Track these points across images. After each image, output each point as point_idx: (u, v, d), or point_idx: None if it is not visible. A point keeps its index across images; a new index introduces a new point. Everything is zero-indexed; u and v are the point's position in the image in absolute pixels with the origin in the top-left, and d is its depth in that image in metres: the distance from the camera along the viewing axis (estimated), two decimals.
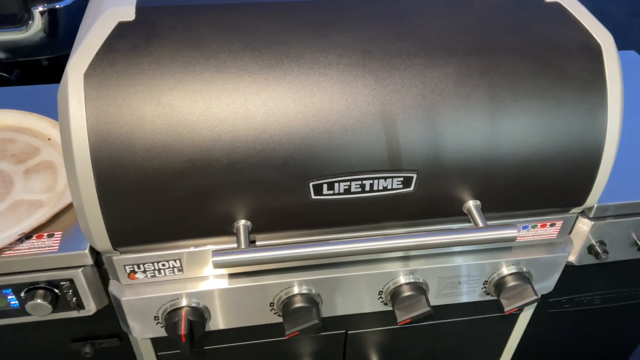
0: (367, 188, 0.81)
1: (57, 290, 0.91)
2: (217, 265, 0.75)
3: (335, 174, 0.78)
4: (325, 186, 0.79)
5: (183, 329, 0.88)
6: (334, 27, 0.78)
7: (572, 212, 0.94)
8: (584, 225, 1.01)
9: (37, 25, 2.20)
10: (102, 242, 0.79)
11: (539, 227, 0.95)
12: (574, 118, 0.81)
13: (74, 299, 0.93)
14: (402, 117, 0.77)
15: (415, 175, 0.80)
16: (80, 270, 0.88)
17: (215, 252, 0.76)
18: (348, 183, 0.80)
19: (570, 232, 1.02)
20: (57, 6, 2.26)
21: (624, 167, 1.04)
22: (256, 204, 0.79)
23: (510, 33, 0.81)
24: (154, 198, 0.76)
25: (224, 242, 0.86)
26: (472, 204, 0.85)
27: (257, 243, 0.87)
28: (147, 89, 0.72)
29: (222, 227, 0.81)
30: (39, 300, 0.89)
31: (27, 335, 1.04)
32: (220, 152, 0.74)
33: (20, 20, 2.24)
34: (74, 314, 0.95)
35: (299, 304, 0.93)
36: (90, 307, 0.94)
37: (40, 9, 2.22)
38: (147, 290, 0.90)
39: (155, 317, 0.93)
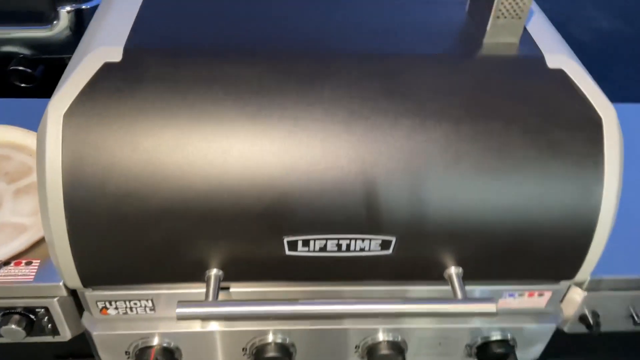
0: (344, 248, 0.78)
1: (32, 316, 0.91)
2: (180, 317, 0.74)
3: (311, 232, 0.76)
4: (300, 243, 0.77)
5: None
6: (322, 81, 0.76)
7: (562, 285, 0.91)
8: (576, 295, 0.97)
9: (62, 24, 2.24)
10: (72, 279, 0.78)
11: (526, 295, 0.92)
12: (566, 192, 0.78)
13: (49, 325, 0.93)
14: (384, 180, 0.75)
15: (394, 239, 0.78)
16: (55, 299, 0.88)
17: (180, 303, 0.75)
18: (324, 241, 0.77)
19: (561, 301, 0.98)
20: (84, 7, 2.29)
21: (623, 236, 0.99)
22: (229, 255, 0.78)
23: (506, 99, 0.78)
24: (124, 242, 0.75)
25: (197, 287, 0.84)
26: (453, 271, 0.82)
27: (231, 290, 0.86)
28: (126, 135, 0.72)
29: (193, 275, 0.80)
30: (12, 326, 0.89)
31: (9, 350, 1.05)
32: (194, 202, 0.73)
33: (46, 18, 2.28)
34: (49, 338, 0.95)
35: (272, 352, 0.91)
36: (66, 334, 0.94)
37: (67, 8, 2.26)
38: (119, 325, 0.89)
39: (126, 352, 0.92)
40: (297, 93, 0.75)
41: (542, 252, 0.82)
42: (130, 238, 0.74)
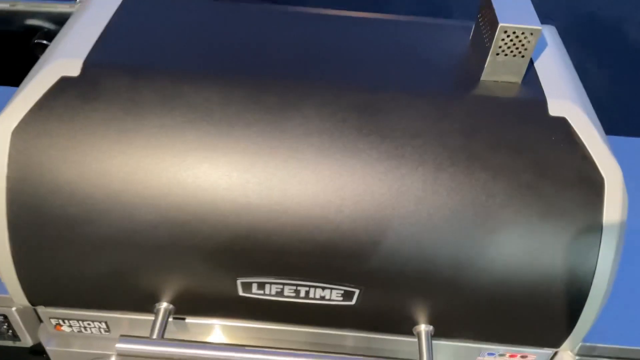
0: (302, 294, 0.72)
1: None
2: (120, 353, 0.70)
3: (266, 275, 0.71)
4: (255, 285, 0.72)
5: None
6: (291, 113, 0.70)
7: (548, 349, 0.82)
8: (567, 357, 0.88)
9: None
10: (19, 298, 0.75)
11: (507, 356, 0.84)
12: (555, 255, 0.69)
13: (9, 332, 0.91)
14: (350, 226, 0.68)
15: (357, 291, 0.71)
16: (13, 309, 0.86)
17: (123, 338, 0.71)
18: (280, 286, 0.72)
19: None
20: None
21: (622, 302, 0.89)
22: (180, 290, 0.73)
23: (496, 148, 0.69)
24: (70, 267, 0.71)
25: (150, 316, 0.80)
26: (423, 329, 0.75)
27: (186, 321, 0.81)
28: (75, 157, 0.67)
29: (143, 306, 0.75)
30: None
31: None
32: (142, 232, 0.68)
33: None
34: (10, 343, 0.93)
35: None
36: (27, 340, 0.92)
37: None
38: (74, 342, 0.86)
39: None
40: (262, 124, 0.69)
41: (525, 316, 0.74)
42: (76, 263, 0.70)
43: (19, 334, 0.90)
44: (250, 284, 0.71)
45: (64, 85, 0.69)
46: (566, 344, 0.77)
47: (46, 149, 0.67)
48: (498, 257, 0.69)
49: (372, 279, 0.70)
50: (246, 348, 0.71)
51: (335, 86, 0.72)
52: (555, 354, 0.87)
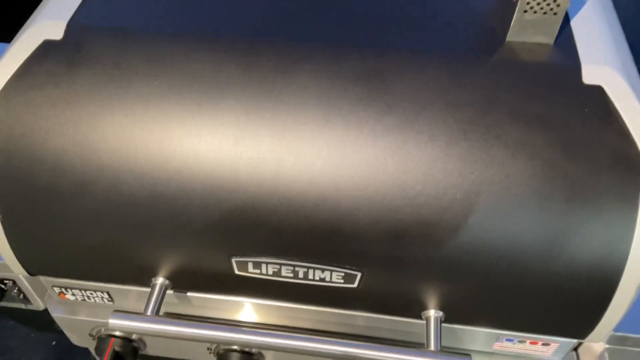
0: (301, 275, 0.68)
1: (3, 286, 0.89)
2: (113, 329, 0.68)
3: (261, 255, 0.66)
4: (250, 265, 0.68)
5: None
6: (287, 80, 0.63)
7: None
8: (595, 346, 0.81)
9: None
10: (16, 267, 0.74)
11: (527, 343, 0.78)
12: (582, 237, 0.62)
13: (21, 295, 0.91)
14: (349, 206, 0.62)
15: (359, 274, 0.66)
16: (20, 275, 0.85)
17: (115, 314, 0.68)
18: (277, 267, 0.67)
19: (576, 349, 0.83)
20: None
21: None
22: (175, 266, 0.70)
23: (519, 119, 0.61)
24: (61, 239, 0.68)
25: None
26: (432, 314, 0.70)
27: (182, 294, 0.78)
28: (58, 127, 0.63)
29: (139, 280, 0.73)
30: None
31: None
32: (130, 207, 0.64)
33: None
34: (22, 306, 0.94)
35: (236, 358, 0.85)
36: (38, 304, 0.92)
37: None
38: (79, 310, 0.86)
39: (90, 334, 0.89)
40: (255, 94, 0.63)
41: (547, 306, 0.67)
42: (66, 236, 0.68)
43: (29, 297, 0.91)
44: (245, 263, 0.67)
45: (46, 49, 0.65)
46: (593, 335, 0.70)
47: (29, 118, 0.64)
48: (517, 242, 0.62)
49: (375, 263, 0.65)
50: (242, 328, 0.68)
51: (335, 49, 0.64)
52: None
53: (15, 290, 0.90)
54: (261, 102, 0.62)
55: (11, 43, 0.69)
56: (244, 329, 0.68)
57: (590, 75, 0.62)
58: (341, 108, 0.62)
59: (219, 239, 0.65)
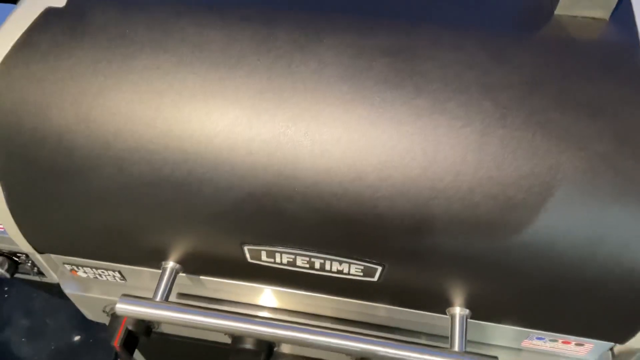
0: (317, 266, 0.63)
1: (16, 259, 0.88)
2: (121, 314, 0.65)
3: (275, 244, 0.62)
4: (264, 253, 0.63)
5: (117, 340, 0.82)
6: (305, 56, 0.57)
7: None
8: (636, 345, 0.75)
9: None
10: (25, 246, 0.72)
11: (559, 342, 0.73)
12: (628, 241, 0.56)
13: (35, 268, 0.89)
14: (370, 196, 0.57)
15: (380, 268, 0.62)
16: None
17: (124, 298, 0.66)
18: (292, 257, 0.63)
19: (611, 349, 0.77)
20: None
21: None
22: (186, 252, 0.66)
23: (565, 107, 0.54)
24: (66, 220, 0.65)
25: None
26: (457, 312, 0.65)
27: (194, 277, 0.74)
28: (61, 103, 0.59)
29: (149, 262, 0.70)
30: None
31: None
32: (136, 189, 0.60)
33: None
34: (37, 279, 0.92)
35: (249, 344, 0.82)
36: (52, 277, 0.90)
37: None
38: (92, 287, 0.84)
39: (103, 311, 0.87)
40: (273, 66, 0.57)
41: (585, 306, 0.62)
42: (71, 216, 0.65)
43: (43, 271, 0.89)
44: (259, 251, 0.63)
45: (49, 17, 0.60)
46: (634, 340, 0.65)
47: (31, 92, 0.59)
48: (556, 240, 0.56)
49: (397, 257, 0.60)
50: (253, 319, 0.65)
51: (360, 21, 0.58)
52: None
53: (29, 264, 0.88)
54: (277, 79, 0.57)
55: (14, 8, 0.65)
56: (255, 320, 0.64)
57: None
58: (365, 88, 0.56)
59: (231, 225, 0.61)
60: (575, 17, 0.58)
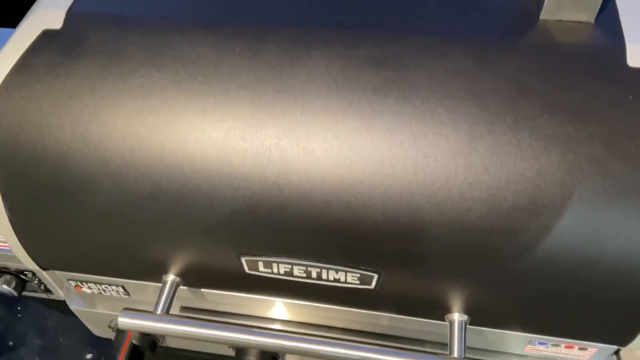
0: (314, 276, 0.64)
1: (24, 277, 0.89)
2: (123, 328, 0.66)
3: (271, 254, 0.63)
4: (261, 264, 0.64)
5: (122, 356, 0.83)
6: (294, 68, 0.58)
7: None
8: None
9: None
10: (29, 262, 0.73)
11: (562, 347, 0.72)
12: (624, 244, 0.55)
13: (41, 286, 0.91)
14: (362, 204, 0.57)
15: (376, 276, 0.62)
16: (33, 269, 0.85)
17: (125, 312, 0.66)
18: (289, 266, 0.64)
19: (615, 353, 0.76)
20: None
21: None
22: (185, 265, 0.67)
23: (553, 111, 0.54)
24: (68, 237, 0.67)
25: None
26: (456, 318, 0.65)
27: (195, 290, 0.75)
28: (59, 122, 0.60)
29: (150, 277, 0.71)
30: (3, 285, 0.88)
31: None
32: (134, 205, 0.62)
33: None
34: (44, 296, 0.93)
35: (252, 356, 0.82)
36: (59, 294, 0.92)
37: None
38: (96, 303, 0.85)
39: (109, 326, 0.88)
40: (263, 80, 0.58)
41: (586, 310, 0.61)
42: (73, 231, 0.66)
43: (50, 288, 0.90)
44: (256, 262, 0.64)
45: (46, 39, 0.62)
46: (636, 342, 0.64)
47: (30, 113, 0.61)
48: (550, 244, 0.56)
49: (393, 264, 0.60)
50: (253, 330, 0.65)
51: (347, 34, 0.59)
52: None
53: (36, 282, 0.89)
54: (268, 92, 0.58)
55: (13, 35, 0.67)
56: (255, 330, 0.65)
57: (636, 57, 0.55)
58: (354, 98, 0.57)
59: (227, 237, 0.62)
60: (560, 21, 0.58)
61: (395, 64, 0.57)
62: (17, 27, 0.67)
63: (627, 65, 0.55)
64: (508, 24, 0.59)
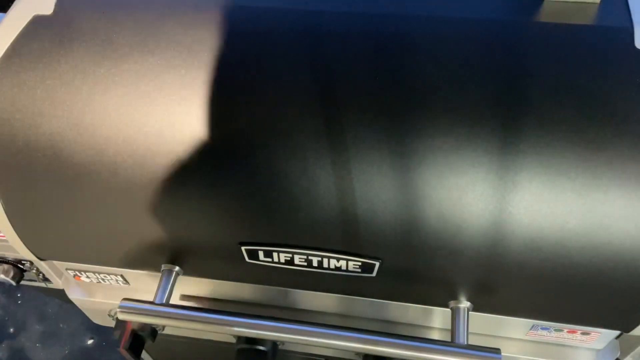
0: (315, 264, 0.63)
1: (22, 266, 0.88)
2: (122, 318, 0.66)
3: (272, 243, 0.62)
4: (261, 253, 0.63)
5: (123, 344, 0.82)
6: (297, 50, 0.57)
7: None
8: None
9: None
10: (25, 253, 0.72)
11: (565, 332, 0.72)
12: (628, 228, 0.55)
13: (40, 275, 0.90)
14: (366, 187, 0.56)
15: (377, 264, 0.61)
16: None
17: (125, 301, 0.66)
18: (290, 255, 0.63)
19: (618, 337, 0.76)
20: None
21: None
22: (185, 254, 0.66)
23: (556, 94, 0.53)
24: (64, 227, 0.65)
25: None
26: (459, 305, 0.64)
27: (195, 279, 0.74)
28: (51, 110, 0.59)
29: (149, 266, 0.70)
30: (1, 275, 0.87)
31: None
32: (130, 194, 0.60)
33: None
34: (43, 285, 0.93)
35: (255, 345, 0.81)
36: (58, 284, 0.91)
37: None
38: (95, 291, 0.84)
39: (109, 315, 0.88)
40: (261, 65, 0.57)
41: (590, 295, 0.61)
42: (69, 221, 0.65)
43: (48, 277, 0.89)
44: (256, 251, 0.63)
45: (36, 25, 0.60)
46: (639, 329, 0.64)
47: (22, 101, 0.60)
48: (555, 229, 0.55)
49: (394, 251, 0.59)
50: (252, 320, 0.64)
51: (352, 14, 0.57)
52: None
53: (34, 271, 0.89)
54: (267, 75, 0.56)
55: (2, 17, 0.65)
56: (255, 320, 0.64)
57: None
58: (355, 82, 0.55)
59: (227, 226, 0.61)
60: (565, 1, 0.56)
61: (397, 46, 0.56)
62: (6, 13, 0.65)
63: (634, 47, 0.53)
64: (514, 5, 0.57)
